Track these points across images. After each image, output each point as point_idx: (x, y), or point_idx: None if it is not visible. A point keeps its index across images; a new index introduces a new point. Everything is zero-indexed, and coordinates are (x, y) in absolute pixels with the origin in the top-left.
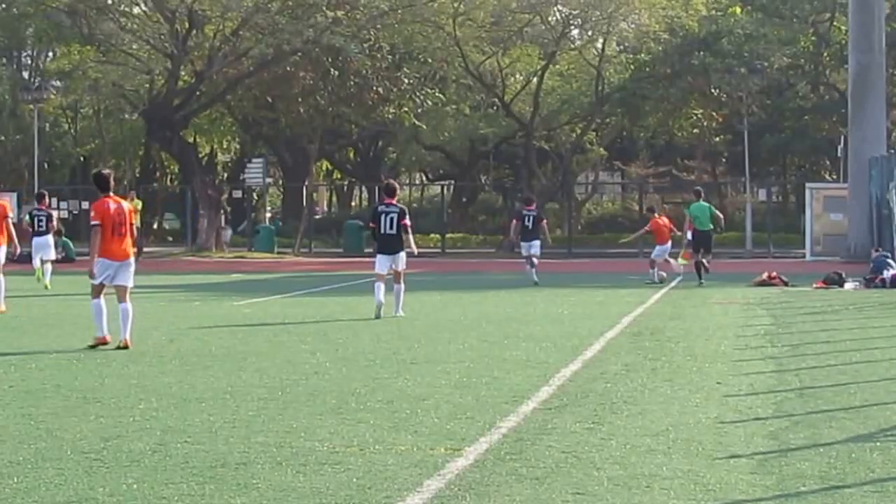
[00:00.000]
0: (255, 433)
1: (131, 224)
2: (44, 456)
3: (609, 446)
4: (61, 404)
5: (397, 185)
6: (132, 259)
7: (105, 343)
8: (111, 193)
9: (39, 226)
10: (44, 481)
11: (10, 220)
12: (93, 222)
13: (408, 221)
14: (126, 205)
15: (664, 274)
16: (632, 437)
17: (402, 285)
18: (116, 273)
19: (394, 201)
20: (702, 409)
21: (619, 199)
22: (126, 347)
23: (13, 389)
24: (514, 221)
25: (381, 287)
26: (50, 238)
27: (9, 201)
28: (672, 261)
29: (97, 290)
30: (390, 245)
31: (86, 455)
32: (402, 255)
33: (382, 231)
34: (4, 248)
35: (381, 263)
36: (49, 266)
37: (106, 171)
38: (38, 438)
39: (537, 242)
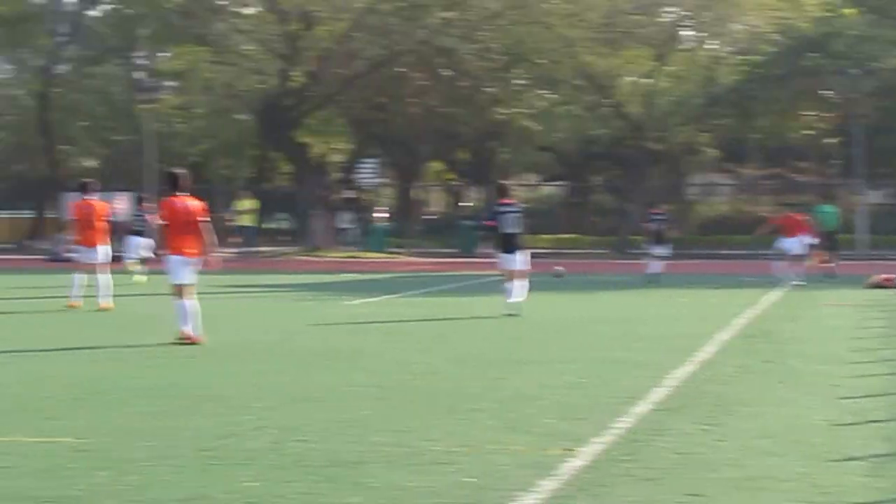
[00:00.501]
0: (369, 432)
1: (199, 222)
2: (160, 453)
3: (723, 448)
4: (178, 402)
5: (510, 185)
6: (200, 258)
7: (194, 341)
8: (179, 193)
9: (138, 226)
10: (160, 479)
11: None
12: (160, 221)
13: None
14: (195, 203)
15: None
16: (746, 439)
17: (525, 282)
18: (191, 270)
19: (511, 200)
20: (816, 411)
21: (732, 201)
22: (193, 343)
23: (131, 387)
24: (646, 224)
25: (511, 285)
26: (143, 239)
27: (127, 200)
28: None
29: (178, 290)
30: (512, 243)
31: (202, 453)
32: (524, 253)
33: (504, 230)
34: (107, 247)
35: (507, 261)
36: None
37: (178, 171)
38: (155, 436)
39: (663, 248)
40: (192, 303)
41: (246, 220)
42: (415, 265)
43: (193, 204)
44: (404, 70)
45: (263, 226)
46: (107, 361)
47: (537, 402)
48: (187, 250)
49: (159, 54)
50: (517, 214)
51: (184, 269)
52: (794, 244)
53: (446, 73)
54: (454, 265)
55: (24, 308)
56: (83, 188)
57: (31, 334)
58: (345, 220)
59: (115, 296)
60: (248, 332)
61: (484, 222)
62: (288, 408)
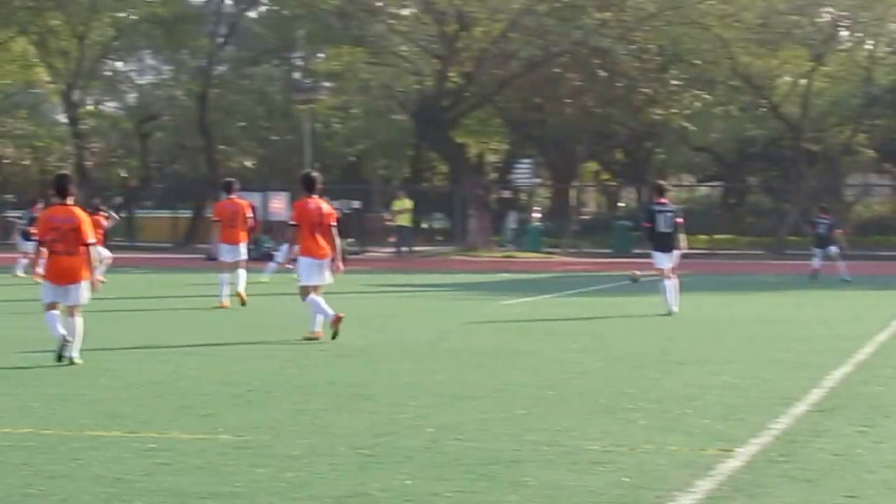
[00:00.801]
0: (526, 431)
1: (329, 225)
2: (318, 451)
3: (881, 450)
4: (335, 400)
5: (666, 185)
6: (328, 260)
7: (318, 338)
8: (314, 195)
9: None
10: (318, 476)
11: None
12: (291, 222)
13: (680, 220)
14: (325, 206)
15: None
16: None
17: (676, 280)
18: (321, 272)
19: (666, 200)
20: None
21: (890, 202)
22: (316, 339)
23: (288, 385)
24: (808, 228)
25: (668, 284)
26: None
27: (284, 200)
28: None
29: (306, 292)
30: (667, 243)
31: (359, 451)
32: (677, 253)
33: (659, 229)
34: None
35: (661, 260)
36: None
37: (313, 173)
38: (313, 433)
39: (833, 248)
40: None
41: (402, 220)
42: (570, 265)
43: (326, 207)
44: (560, 70)
45: (420, 225)
46: (262, 359)
47: (694, 402)
48: (318, 252)
49: (317, 55)
50: (671, 214)
51: (314, 271)
52: None
53: (602, 73)
54: (609, 265)
55: (181, 306)
56: (227, 188)
57: (188, 332)
58: (512, 220)
59: (272, 294)
60: (405, 332)
61: (643, 224)
62: (445, 406)
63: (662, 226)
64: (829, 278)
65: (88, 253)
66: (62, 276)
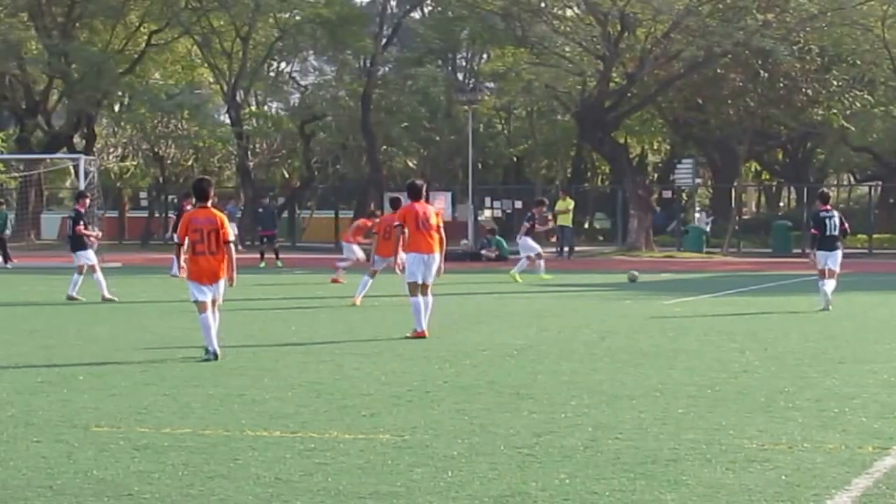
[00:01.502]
0: (684, 430)
1: (438, 226)
2: (477, 450)
3: None
4: (494, 400)
5: (829, 192)
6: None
7: (423, 336)
8: (419, 200)
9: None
10: (477, 475)
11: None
12: (395, 223)
13: (846, 226)
14: (432, 211)
15: None
16: None
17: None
18: (427, 268)
19: (829, 207)
20: None
21: None
22: (423, 337)
23: (448, 385)
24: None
25: (824, 282)
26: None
27: (443, 200)
28: None
29: (414, 289)
30: (831, 245)
31: (518, 450)
32: (838, 254)
33: (825, 234)
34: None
35: (821, 259)
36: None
37: (419, 182)
38: (472, 433)
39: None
40: (427, 299)
41: (564, 221)
42: (731, 265)
43: (431, 211)
44: (722, 71)
45: (582, 225)
46: (421, 359)
47: (852, 400)
48: (424, 248)
49: (480, 56)
50: (836, 219)
51: (420, 268)
52: None
53: (763, 74)
54: (770, 265)
55: (342, 305)
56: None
57: (349, 332)
58: (703, 220)
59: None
60: (565, 331)
61: (811, 231)
62: (604, 406)
63: (828, 230)
64: None
65: (230, 252)
66: (206, 275)
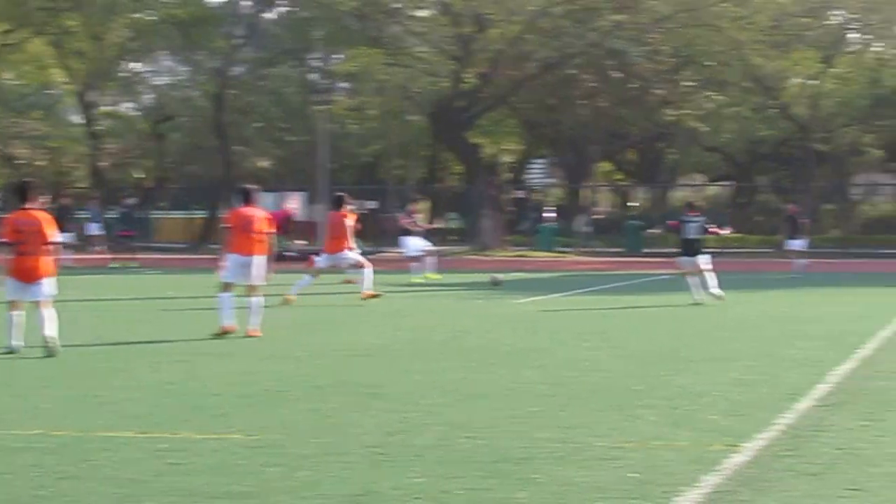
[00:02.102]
0: (536, 429)
1: (266, 231)
2: (330, 450)
3: (884, 443)
4: (347, 399)
5: (696, 202)
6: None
7: (231, 332)
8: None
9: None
10: (330, 475)
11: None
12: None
13: (713, 229)
14: (261, 214)
15: None
16: None
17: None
18: (245, 270)
19: (696, 213)
20: None
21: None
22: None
23: (301, 385)
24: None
25: (694, 279)
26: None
27: (297, 201)
28: None
29: (226, 288)
30: (693, 248)
31: (370, 449)
32: (701, 257)
33: (687, 236)
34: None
35: (687, 263)
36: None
37: (249, 187)
38: (325, 433)
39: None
40: (253, 300)
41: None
42: (583, 264)
43: (260, 216)
44: (575, 72)
45: (434, 225)
46: (275, 359)
47: (702, 398)
48: (244, 250)
49: (333, 56)
50: (699, 224)
51: (237, 269)
52: None
53: (616, 75)
54: (622, 264)
55: (195, 306)
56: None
57: (202, 333)
58: (581, 223)
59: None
60: (418, 331)
61: (669, 222)
62: (456, 405)
63: (690, 233)
64: (836, 276)
65: (52, 252)
66: (25, 274)
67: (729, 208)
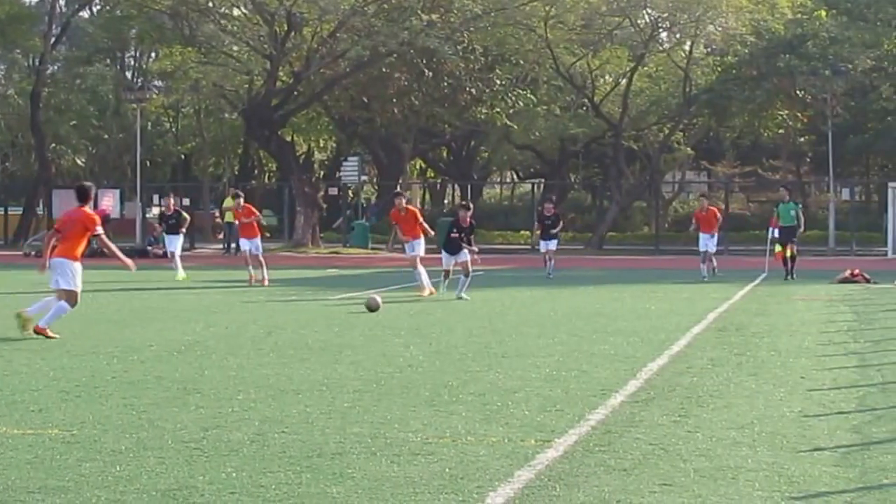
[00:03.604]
0: (350, 424)
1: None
2: (145, 445)
3: (695, 439)
4: (162, 395)
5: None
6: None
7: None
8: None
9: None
10: (146, 469)
11: None
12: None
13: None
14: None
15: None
16: (717, 430)
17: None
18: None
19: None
20: (786, 403)
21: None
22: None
23: (116, 380)
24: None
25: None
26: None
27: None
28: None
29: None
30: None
31: (186, 444)
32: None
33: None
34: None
35: (447, 260)
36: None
37: (86, 184)
38: (140, 428)
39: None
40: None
41: (230, 218)
42: (397, 261)
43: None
44: (387, 70)
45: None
46: (90, 355)
47: (515, 394)
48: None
49: (148, 54)
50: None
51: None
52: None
53: (428, 73)
54: (433, 261)
55: (9, 303)
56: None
57: (13, 328)
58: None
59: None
60: (233, 327)
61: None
62: (270, 400)
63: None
64: (647, 273)
65: None
66: None
67: (540, 206)
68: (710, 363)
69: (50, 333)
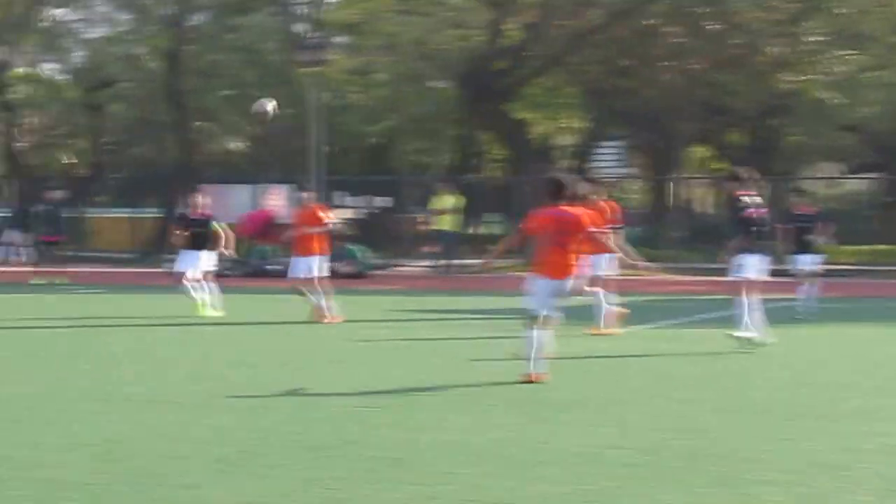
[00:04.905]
0: None
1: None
2: None
3: None
4: None
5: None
6: None
7: None
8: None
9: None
10: None
11: None
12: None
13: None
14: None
15: None
16: None
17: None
18: None
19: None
20: None
21: None
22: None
23: None
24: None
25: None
26: None
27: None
28: None
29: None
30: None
31: None
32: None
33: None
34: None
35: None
36: None
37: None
38: None
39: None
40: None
41: (445, 224)
42: (677, 285)
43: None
44: (656, 23)
45: (469, 231)
46: None
47: (843, 472)
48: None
49: (326, 1)
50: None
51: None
52: None
53: (713, 27)
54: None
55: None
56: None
57: None
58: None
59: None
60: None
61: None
62: (501, 474)
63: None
64: None
65: None
66: None
67: (876, 210)
68: None
69: None
